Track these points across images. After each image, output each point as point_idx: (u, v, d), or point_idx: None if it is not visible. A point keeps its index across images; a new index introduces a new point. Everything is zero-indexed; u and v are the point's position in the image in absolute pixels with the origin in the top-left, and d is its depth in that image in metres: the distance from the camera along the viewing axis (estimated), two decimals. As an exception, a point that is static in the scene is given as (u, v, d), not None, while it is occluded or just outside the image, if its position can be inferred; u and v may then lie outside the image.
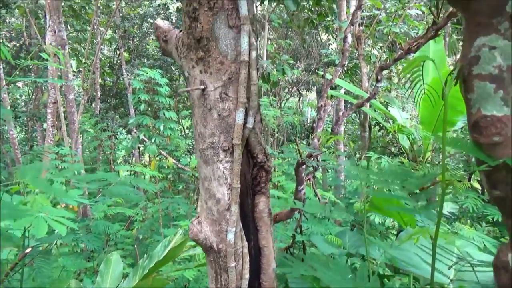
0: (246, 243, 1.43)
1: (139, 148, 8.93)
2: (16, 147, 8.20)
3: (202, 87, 1.35)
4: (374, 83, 2.75)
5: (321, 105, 3.20)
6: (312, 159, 2.98)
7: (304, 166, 2.98)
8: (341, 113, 5.19)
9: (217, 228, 1.41)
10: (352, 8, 5.79)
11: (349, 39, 3.19)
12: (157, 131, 6.06)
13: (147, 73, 5.63)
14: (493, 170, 1.00)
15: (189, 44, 1.35)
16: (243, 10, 1.27)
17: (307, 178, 3.11)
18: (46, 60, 3.12)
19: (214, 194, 1.40)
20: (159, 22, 1.53)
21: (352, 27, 3.14)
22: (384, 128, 6.94)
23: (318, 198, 2.97)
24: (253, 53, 1.31)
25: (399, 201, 1.71)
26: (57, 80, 5.03)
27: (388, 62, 3.20)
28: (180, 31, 1.45)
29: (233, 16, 1.30)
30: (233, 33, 1.31)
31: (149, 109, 6.41)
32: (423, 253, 1.37)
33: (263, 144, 1.44)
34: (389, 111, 4.98)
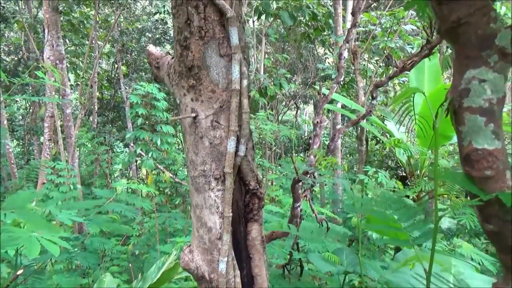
0: (238, 272, 1.40)
1: (136, 161, 8.90)
2: (12, 161, 8.15)
3: (194, 115, 1.34)
4: (370, 99, 2.75)
5: (317, 122, 3.20)
6: (308, 176, 2.96)
7: (300, 183, 2.96)
8: (338, 127, 5.20)
9: (208, 257, 1.39)
10: (348, 23, 5.84)
11: (345, 55, 3.20)
12: (154, 145, 6.04)
13: (144, 87, 5.64)
14: (486, 204, 0.98)
15: (181, 72, 1.35)
16: (234, 40, 1.27)
17: (304, 194, 3.09)
18: (42, 78, 3.14)
19: (205, 223, 1.38)
20: (151, 48, 1.53)
21: (347, 44, 3.16)
22: (381, 141, 6.94)
23: (315, 215, 2.95)
24: (244, 82, 1.31)
25: (395, 225, 1.70)
26: (53, 99, 5.03)
27: (383, 78, 3.21)
28: (172, 58, 1.45)
29: (224, 45, 1.30)
30: (224, 61, 1.31)
31: (147, 123, 6.41)
32: (418, 282, 1.35)
33: (255, 171, 1.43)
34: (385, 125, 4.98)
